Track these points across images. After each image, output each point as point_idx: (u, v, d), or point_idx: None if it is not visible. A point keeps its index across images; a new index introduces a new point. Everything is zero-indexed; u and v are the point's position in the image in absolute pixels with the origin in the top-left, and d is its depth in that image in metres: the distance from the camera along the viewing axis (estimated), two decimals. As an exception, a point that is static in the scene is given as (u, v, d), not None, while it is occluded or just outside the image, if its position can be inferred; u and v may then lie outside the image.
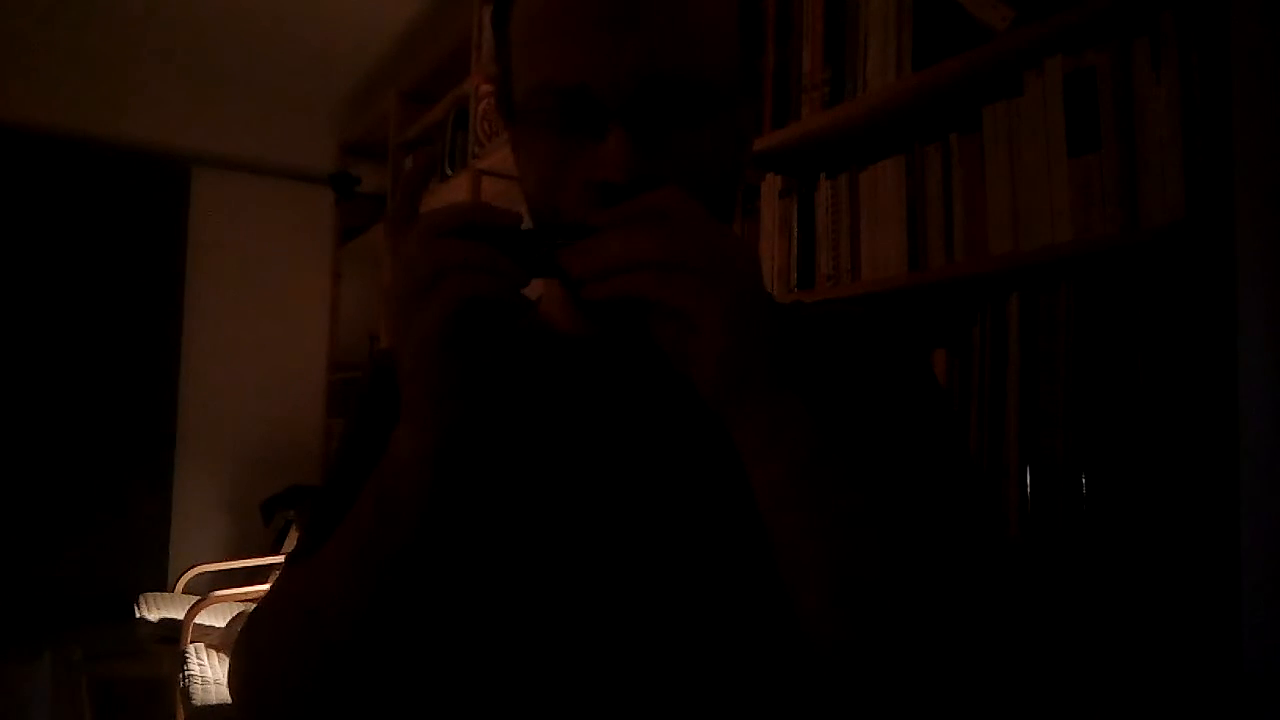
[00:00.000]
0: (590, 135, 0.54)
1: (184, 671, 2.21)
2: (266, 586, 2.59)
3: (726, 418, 0.50)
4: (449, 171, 3.05)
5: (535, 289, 0.62)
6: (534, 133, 0.58)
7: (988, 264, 1.36)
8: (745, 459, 0.51)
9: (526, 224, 0.52)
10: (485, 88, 2.75)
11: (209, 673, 2.20)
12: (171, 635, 2.56)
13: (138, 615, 2.82)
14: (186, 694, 2.12)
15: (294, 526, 3.33)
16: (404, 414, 0.53)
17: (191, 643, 2.37)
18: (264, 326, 3.89)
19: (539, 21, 0.56)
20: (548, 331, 0.67)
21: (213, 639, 2.44)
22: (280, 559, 3.09)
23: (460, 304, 0.48)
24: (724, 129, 0.58)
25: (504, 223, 0.50)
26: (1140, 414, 1.13)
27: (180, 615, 2.52)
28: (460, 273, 0.47)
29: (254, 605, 0.64)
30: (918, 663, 0.50)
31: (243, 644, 0.62)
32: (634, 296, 0.47)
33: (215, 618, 2.57)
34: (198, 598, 2.48)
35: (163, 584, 3.39)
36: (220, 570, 3.20)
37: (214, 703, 2.08)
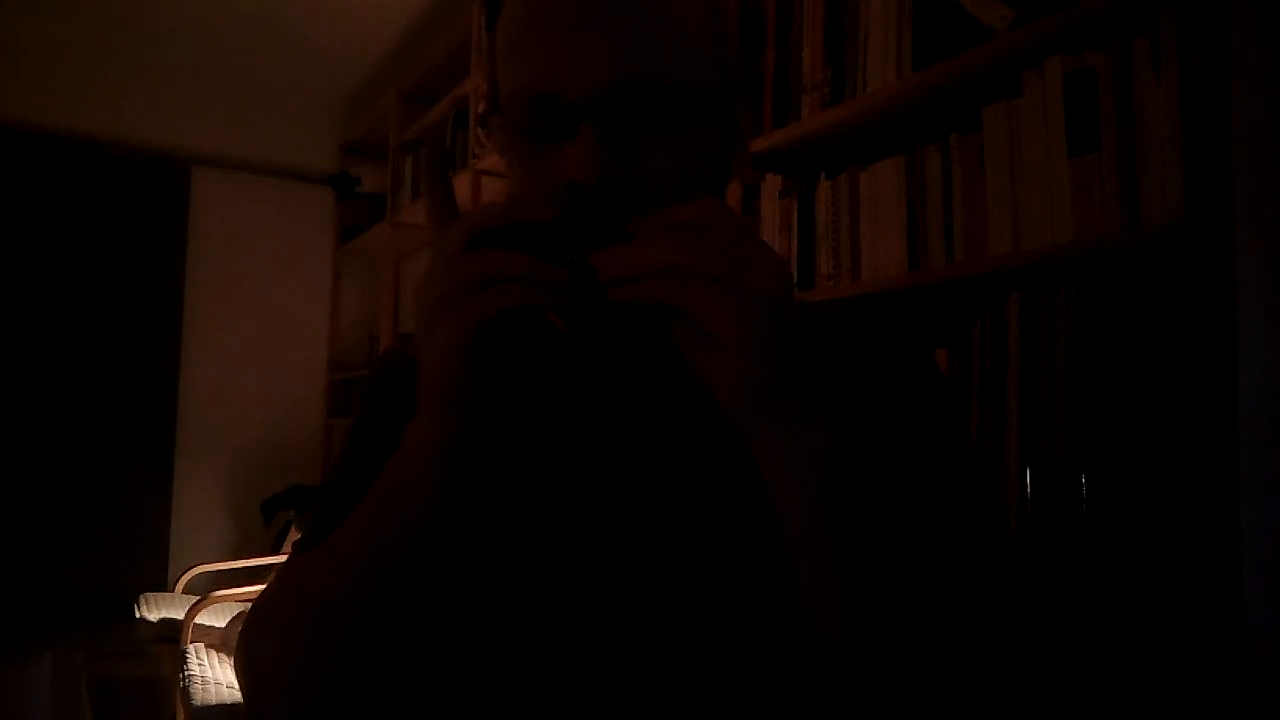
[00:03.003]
0: (562, 138, 0.54)
1: (184, 671, 2.21)
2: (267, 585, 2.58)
3: (745, 430, 0.50)
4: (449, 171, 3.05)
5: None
6: (511, 135, 0.58)
7: (988, 264, 1.36)
8: (763, 470, 0.51)
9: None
10: (485, 88, 2.74)
11: (209, 673, 2.20)
12: (171, 635, 2.56)
13: (138, 615, 2.82)
14: (186, 694, 2.12)
15: (294, 526, 3.33)
16: (421, 409, 0.53)
17: (191, 643, 2.37)
18: (264, 326, 3.89)
19: (516, 27, 0.57)
20: (558, 332, 0.67)
21: (213, 639, 2.44)
22: (280, 559, 3.10)
23: (491, 315, 0.48)
24: (703, 132, 0.58)
25: (542, 220, 0.49)
26: (1140, 414, 1.13)
27: (180, 615, 2.52)
28: (495, 284, 0.47)
29: (255, 600, 0.64)
30: (930, 667, 0.50)
31: (248, 638, 0.62)
32: (660, 303, 0.47)
33: (215, 618, 2.57)
34: (198, 598, 2.48)
35: (163, 584, 3.39)
36: (220, 570, 3.20)
37: (214, 703, 2.08)
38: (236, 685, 0.65)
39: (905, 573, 0.50)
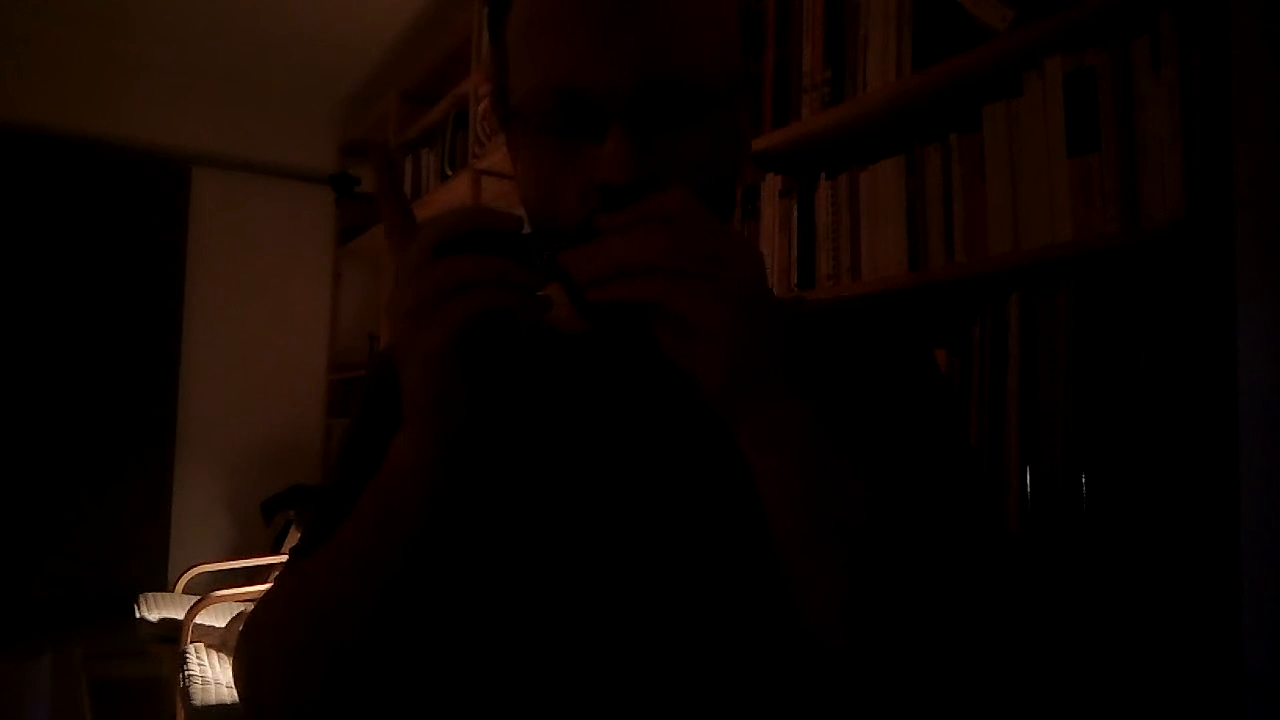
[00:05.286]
0: (589, 137, 0.54)
1: (184, 671, 2.21)
2: (267, 587, 2.58)
3: (731, 421, 0.50)
4: (449, 171, 3.05)
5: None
6: (532, 136, 0.57)
7: (988, 264, 1.36)
8: (750, 461, 0.51)
9: (526, 228, 0.51)
10: (485, 88, 2.75)
11: (209, 673, 2.20)
12: (171, 635, 2.56)
13: (138, 615, 2.82)
14: (186, 694, 2.12)
15: (294, 526, 3.33)
16: (406, 422, 0.53)
17: (191, 643, 2.37)
18: (264, 326, 3.89)
19: (536, 24, 0.56)
20: (548, 331, 0.67)
21: (213, 639, 2.44)
22: (280, 559, 3.10)
23: (469, 320, 0.47)
24: (722, 129, 0.58)
25: (506, 227, 0.49)
26: (1140, 414, 1.13)
27: (180, 615, 2.52)
28: (469, 289, 0.47)
29: (254, 605, 0.64)
30: (922, 663, 0.50)
31: (246, 644, 0.62)
32: (638, 301, 0.47)
33: (215, 618, 2.57)
34: (198, 598, 2.48)
35: (163, 584, 3.39)
36: (220, 570, 3.20)
37: (214, 703, 2.08)
38: (235, 689, 0.65)
39: (894, 563, 0.50)
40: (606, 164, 0.52)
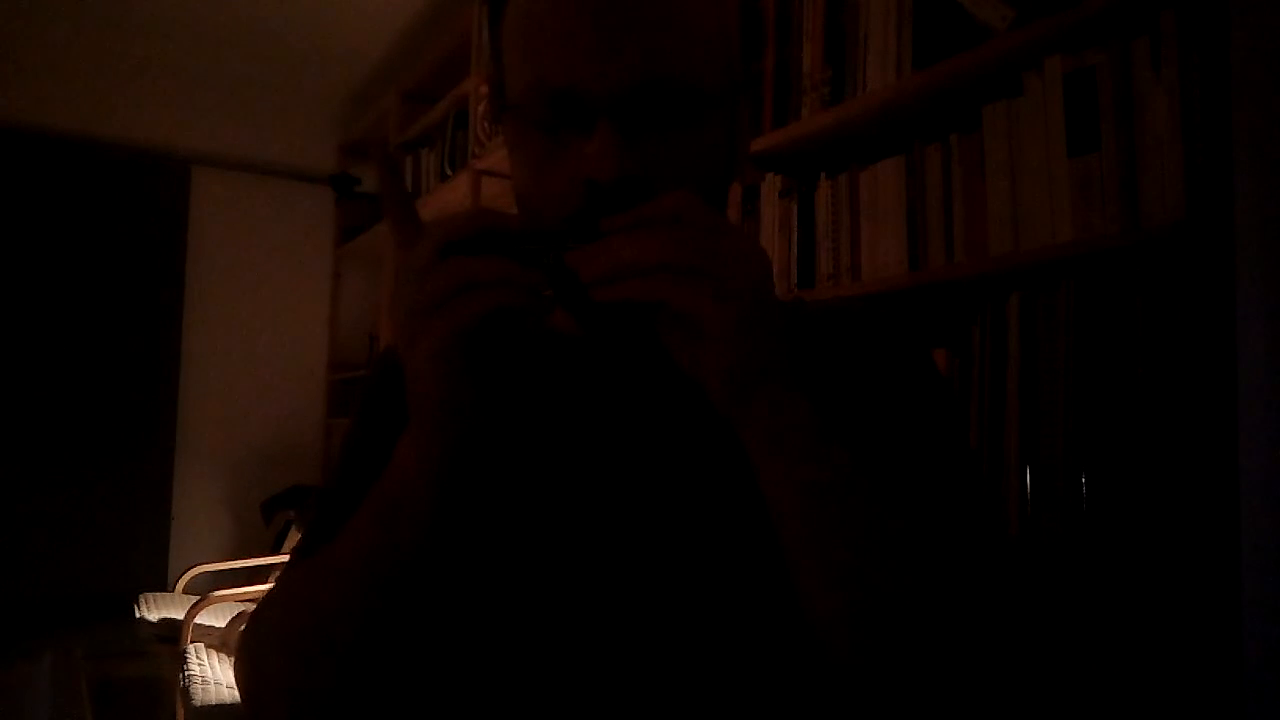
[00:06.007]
0: (579, 134, 0.54)
1: (184, 671, 2.21)
2: (267, 587, 2.59)
3: (735, 421, 0.50)
4: (449, 171, 3.05)
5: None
6: (525, 131, 0.58)
7: (988, 264, 1.36)
8: (753, 461, 0.51)
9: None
10: (485, 88, 2.75)
11: (209, 673, 2.20)
12: (171, 635, 2.56)
13: (138, 615, 2.82)
14: (186, 694, 2.12)
15: (294, 526, 3.33)
16: (411, 424, 0.53)
17: (191, 643, 2.37)
18: (264, 326, 3.89)
19: (531, 20, 0.56)
20: (549, 332, 0.67)
21: (213, 639, 2.44)
22: (280, 559, 3.10)
23: (474, 321, 0.47)
24: (715, 129, 0.58)
25: (512, 228, 0.49)
26: (1140, 414, 1.13)
27: (180, 615, 2.52)
28: (475, 289, 0.47)
29: (254, 605, 0.64)
30: (924, 662, 0.50)
31: (248, 644, 0.62)
32: (643, 300, 0.47)
33: (215, 618, 2.57)
34: (198, 598, 2.48)
35: (163, 584, 3.40)
36: (220, 570, 3.20)
37: (214, 703, 2.08)
38: (236, 689, 0.65)
39: (894, 561, 0.50)
40: (593, 160, 0.52)
